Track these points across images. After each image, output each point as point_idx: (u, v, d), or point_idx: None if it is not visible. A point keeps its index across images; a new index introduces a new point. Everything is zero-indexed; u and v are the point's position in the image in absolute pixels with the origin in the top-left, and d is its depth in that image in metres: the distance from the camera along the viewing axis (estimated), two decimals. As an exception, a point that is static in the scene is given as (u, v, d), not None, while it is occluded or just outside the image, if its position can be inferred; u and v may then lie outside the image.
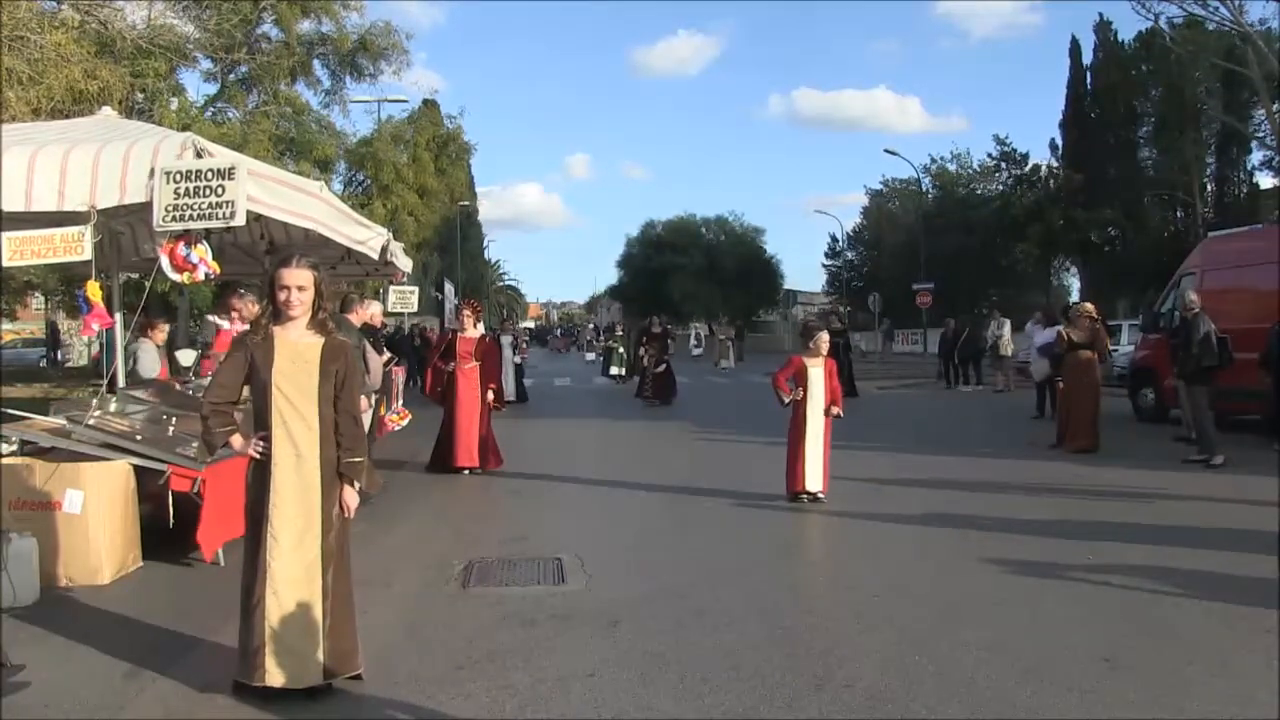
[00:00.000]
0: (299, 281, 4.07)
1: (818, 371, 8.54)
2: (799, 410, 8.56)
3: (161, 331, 9.48)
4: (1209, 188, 40.96)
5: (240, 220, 5.91)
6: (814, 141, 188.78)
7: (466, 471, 10.39)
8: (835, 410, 8.55)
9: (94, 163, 5.91)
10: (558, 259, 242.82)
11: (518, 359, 21.61)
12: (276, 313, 4.11)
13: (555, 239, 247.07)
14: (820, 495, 8.47)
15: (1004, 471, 10.60)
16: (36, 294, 29.28)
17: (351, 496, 4.22)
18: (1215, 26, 31.13)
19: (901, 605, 5.65)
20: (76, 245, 5.89)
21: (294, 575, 4.08)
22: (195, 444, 6.69)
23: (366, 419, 9.05)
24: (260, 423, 4.12)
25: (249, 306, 8.88)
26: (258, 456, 4.09)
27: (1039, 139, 64.06)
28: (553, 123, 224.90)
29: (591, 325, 55.19)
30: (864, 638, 5.08)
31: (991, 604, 5.56)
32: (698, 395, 22.32)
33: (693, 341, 42.12)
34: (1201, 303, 11.04)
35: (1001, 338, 22.23)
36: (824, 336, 8.62)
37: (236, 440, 4.14)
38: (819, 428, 8.48)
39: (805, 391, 8.51)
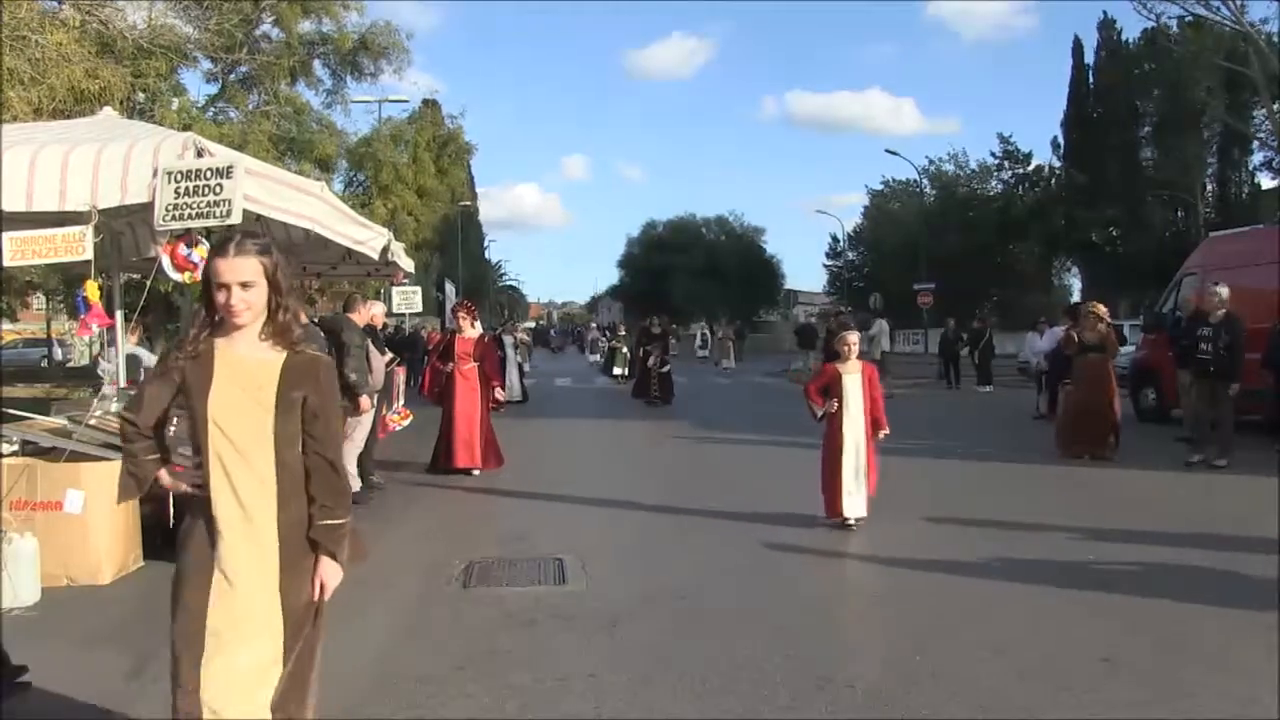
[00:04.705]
0: (243, 275, 2.89)
1: (854, 379, 7.57)
2: (833, 424, 7.60)
3: (134, 333, 9.56)
4: (1210, 188, 40.98)
5: (237, 219, 5.91)
6: (811, 143, 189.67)
7: (467, 472, 10.36)
8: (881, 432, 7.57)
9: (95, 163, 5.92)
10: (558, 259, 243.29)
11: (519, 359, 21.62)
12: (213, 321, 2.98)
13: (554, 239, 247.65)
14: (853, 523, 7.47)
15: (1004, 472, 10.62)
16: (38, 294, 29.29)
17: (331, 573, 3.04)
18: (1217, 27, 31.15)
19: (902, 606, 5.65)
20: (77, 245, 5.89)
21: (239, 700, 2.93)
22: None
23: (368, 420, 9.09)
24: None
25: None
26: (191, 491, 2.99)
27: (1034, 140, 64.35)
28: (548, 124, 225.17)
29: (595, 325, 55.15)
30: (865, 638, 5.09)
31: (992, 604, 5.56)
32: (698, 395, 22.32)
33: (698, 342, 41.97)
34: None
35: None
36: (850, 338, 7.75)
37: (165, 476, 3.06)
38: (858, 443, 7.49)
39: (840, 403, 7.54)
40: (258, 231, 3.02)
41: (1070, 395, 12.03)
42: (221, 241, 2.97)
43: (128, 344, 9.23)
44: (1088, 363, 11.47)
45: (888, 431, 7.61)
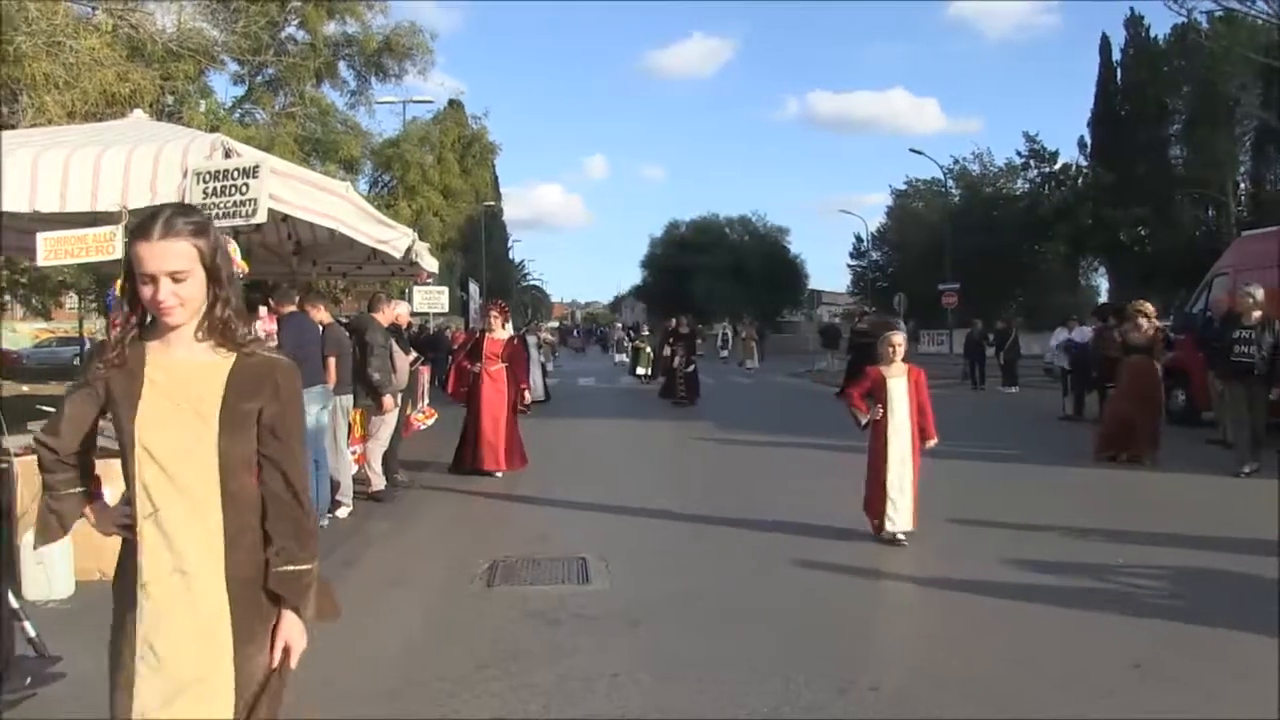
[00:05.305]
0: (173, 264, 2.24)
1: (900, 383, 7.03)
2: (879, 432, 7.06)
3: None
4: (1243, 186, 40.46)
5: (262, 218, 5.98)
6: (833, 143, 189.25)
7: (490, 474, 10.29)
8: (929, 442, 7.09)
9: (126, 164, 6.00)
10: (580, 259, 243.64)
11: (542, 359, 21.70)
12: (142, 321, 2.36)
13: (577, 239, 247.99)
14: (900, 538, 6.97)
15: (1033, 474, 10.55)
16: (71, 293, 29.70)
17: (295, 632, 2.38)
18: (1250, 20, 30.71)
19: (928, 608, 5.63)
20: (108, 245, 5.97)
21: None
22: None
23: (392, 419, 9.14)
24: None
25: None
26: (120, 533, 2.34)
27: (1058, 139, 63.30)
28: (570, 124, 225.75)
29: (620, 325, 55.19)
30: (889, 641, 5.08)
31: (1020, 608, 5.52)
32: (722, 395, 22.29)
33: (720, 342, 41.87)
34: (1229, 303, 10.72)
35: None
36: (895, 339, 7.17)
37: (91, 514, 2.44)
38: (905, 453, 6.98)
39: (885, 409, 7.02)
40: (193, 207, 2.38)
41: (1113, 398, 11.53)
42: (144, 221, 2.29)
43: None
44: (1133, 365, 10.99)
45: (935, 441, 7.14)
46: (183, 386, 2.28)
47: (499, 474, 10.31)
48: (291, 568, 2.34)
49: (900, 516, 6.96)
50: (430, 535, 7.82)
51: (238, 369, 2.32)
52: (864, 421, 7.13)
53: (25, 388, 18.57)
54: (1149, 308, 11.25)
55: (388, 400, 8.81)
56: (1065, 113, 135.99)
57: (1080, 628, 5.15)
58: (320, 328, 8.05)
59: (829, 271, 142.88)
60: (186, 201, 5.84)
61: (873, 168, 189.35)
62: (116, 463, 2.30)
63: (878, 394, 7.09)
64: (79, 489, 2.41)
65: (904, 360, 7.17)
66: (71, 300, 35.07)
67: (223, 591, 2.26)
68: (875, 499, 7.07)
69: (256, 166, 5.91)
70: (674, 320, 21.74)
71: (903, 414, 7.02)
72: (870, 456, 7.15)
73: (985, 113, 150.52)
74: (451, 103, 27.59)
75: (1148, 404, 10.97)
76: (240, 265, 6.29)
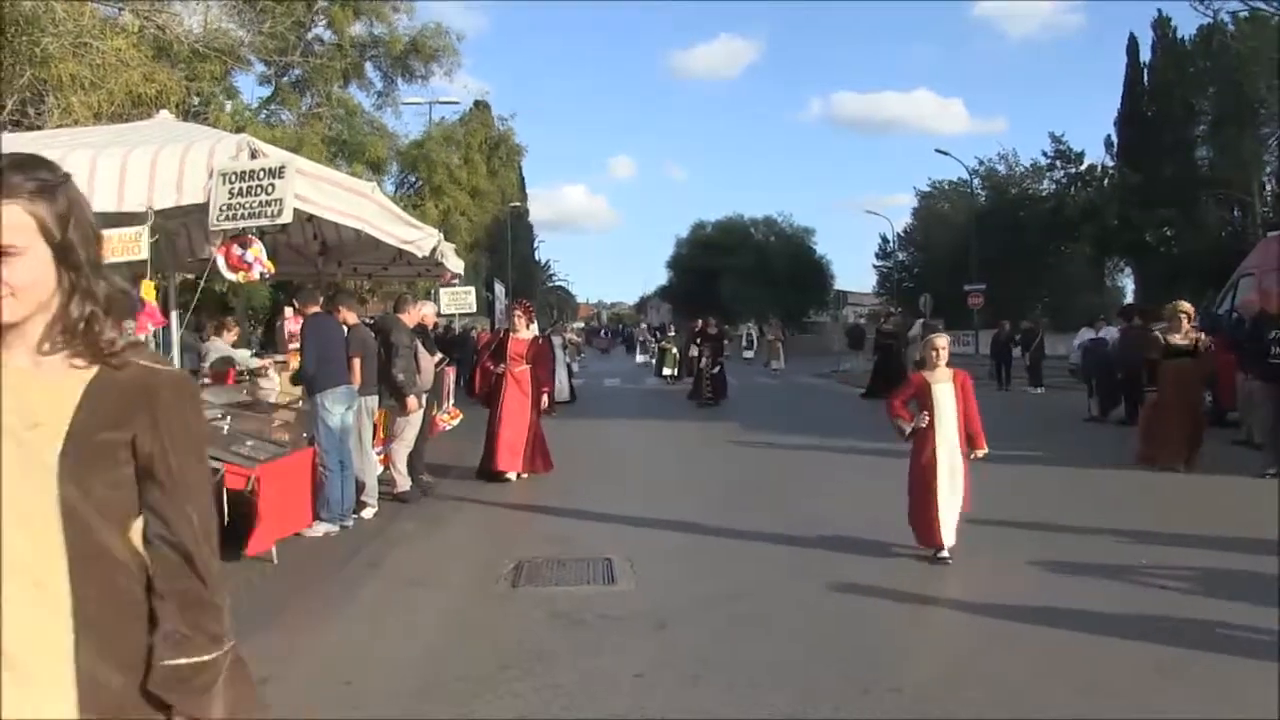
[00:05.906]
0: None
1: (945, 389, 6.53)
2: (924, 442, 6.53)
3: (233, 332, 9.98)
4: (1268, 187, 40.01)
5: (287, 218, 6.01)
6: (859, 143, 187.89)
7: (513, 476, 10.18)
8: (977, 452, 6.59)
9: (152, 165, 6.04)
10: (606, 260, 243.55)
11: (567, 359, 21.72)
12: None
13: (602, 240, 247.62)
14: (945, 555, 6.44)
15: (1056, 476, 10.45)
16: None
17: None
18: (1276, 19, 30.38)
19: (952, 611, 5.58)
20: (133, 245, 6.01)
21: None
22: (250, 442, 6.79)
23: (418, 419, 9.14)
24: None
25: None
26: None
27: (1083, 139, 62.63)
28: (595, 125, 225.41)
29: (645, 325, 55.09)
30: (913, 644, 5.03)
31: (1043, 610, 5.45)
32: (748, 396, 22.22)
33: (744, 343, 41.65)
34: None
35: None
36: (939, 342, 6.74)
37: None
38: (953, 463, 6.47)
39: (931, 418, 6.48)
40: (40, 158, 1.63)
41: (1152, 402, 11.04)
42: None
43: (219, 344, 9.54)
44: (1175, 368, 10.54)
45: (985, 451, 6.63)
46: (16, 410, 1.55)
47: (523, 475, 10.22)
48: (180, 661, 1.60)
49: (948, 533, 6.43)
50: (455, 536, 7.82)
51: (96, 387, 1.59)
52: (907, 431, 6.60)
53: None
54: (1190, 308, 10.85)
55: (411, 401, 8.83)
56: (1090, 113, 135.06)
57: (1102, 629, 5.08)
58: (345, 328, 8.07)
59: (855, 272, 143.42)
60: (212, 201, 5.87)
61: (898, 168, 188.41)
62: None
63: (922, 401, 6.58)
64: None
65: (948, 365, 6.67)
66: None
67: (71, 695, 1.52)
68: (925, 514, 6.49)
69: (282, 167, 5.94)
70: (701, 321, 21.70)
71: (950, 422, 6.51)
72: (915, 469, 6.60)
73: (1010, 113, 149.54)
74: (477, 104, 27.71)
75: (1189, 409, 10.63)
76: (266, 266, 6.33)
